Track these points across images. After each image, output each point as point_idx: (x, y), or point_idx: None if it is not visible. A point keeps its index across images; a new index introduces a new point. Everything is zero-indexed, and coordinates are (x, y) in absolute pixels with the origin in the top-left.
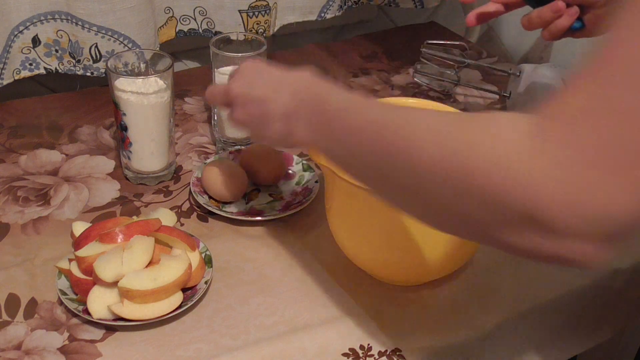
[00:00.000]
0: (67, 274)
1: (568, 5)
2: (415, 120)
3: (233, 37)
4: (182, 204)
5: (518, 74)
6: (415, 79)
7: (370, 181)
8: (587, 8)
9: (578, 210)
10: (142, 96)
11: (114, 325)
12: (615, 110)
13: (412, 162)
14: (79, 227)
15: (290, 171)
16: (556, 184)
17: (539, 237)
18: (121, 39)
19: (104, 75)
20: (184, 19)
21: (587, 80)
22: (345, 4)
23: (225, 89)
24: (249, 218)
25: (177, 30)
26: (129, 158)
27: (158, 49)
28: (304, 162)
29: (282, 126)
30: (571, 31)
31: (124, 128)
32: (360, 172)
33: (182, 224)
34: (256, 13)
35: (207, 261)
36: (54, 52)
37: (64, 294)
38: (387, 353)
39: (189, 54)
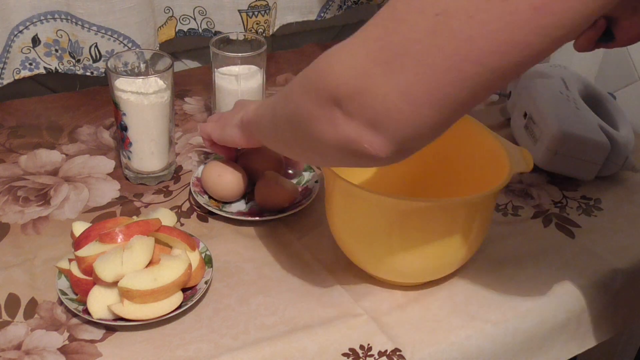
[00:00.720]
0: (67, 274)
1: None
2: (283, 97)
3: (233, 37)
4: (182, 204)
5: None
6: None
7: (274, 143)
8: (616, 19)
9: (364, 96)
10: (142, 96)
11: (114, 325)
12: (396, 15)
13: (287, 110)
14: (79, 227)
15: (290, 171)
16: (350, 70)
17: (340, 121)
18: (121, 39)
19: (103, 75)
20: (184, 19)
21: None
22: (345, 4)
23: (201, 128)
24: (249, 218)
25: (176, 30)
26: (129, 158)
27: (158, 48)
28: None
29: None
30: (603, 43)
31: (124, 128)
32: (270, 141)
33: (182, 224)
34: (256, 13)
35: (207, 261)
36: (53, 52)
37: (64, 294)
38: (387, 353)
39: (189, 54)
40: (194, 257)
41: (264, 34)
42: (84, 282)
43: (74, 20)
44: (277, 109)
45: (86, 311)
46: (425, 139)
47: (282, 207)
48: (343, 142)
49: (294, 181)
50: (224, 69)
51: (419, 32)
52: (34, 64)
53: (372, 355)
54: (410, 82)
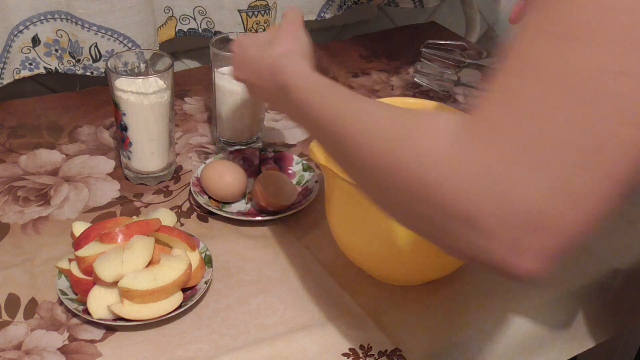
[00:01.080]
0: (67, 274)
1: None
2: (363, 111)
3: (233, 36)
4: (182, 204)
5: None
6: (415, 79)
7: (338, 163)
8: None
9: (505, 207)
10: (142, 96)
11: (114, 325)
12: (523, 105)
13: (356, 153)
14: (79, 227)
15: (290, 171)
16: (483, 181)
17: (471, 236)
18: (121, 39)
19: (103, 75)
20: (184, 19)
21: (501, 75)
22: (345, 4)
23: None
24: (249, 218)
25: (176, 30)
26: (129, 158)
27: (158, 48)
28: (304, 162)
29: (270, 106)
30: None
31: (124, 128)
32: (330, 154)
33: (182, 224)
34: (256, 13)
35: (207, 261)
36: (53, 52)
37: (64, 294)
38: (387, 353)
39: (189, 54)
40: (194, 257)
41: None
42: (84, 282)
43: (74, 20)
44: (345, 147)
45: (86, 311)
46: (581, 237)
47: (279, 209)
48: (470, 254)
49: (294, 181)
50: (224, 69)
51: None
52: (34, 64)
53: (372, 355)
54: (565, 178)
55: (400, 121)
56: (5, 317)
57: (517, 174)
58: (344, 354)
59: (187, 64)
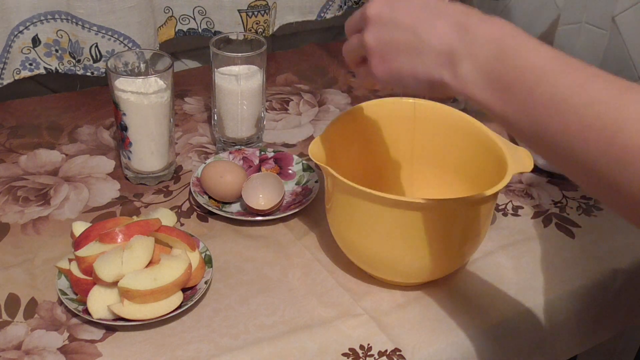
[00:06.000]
0: (67, 274)
1: None
2: (620, 101)
3: (233, 36)
4: (182, 204)
5: None
6: None
7: (552, 158)
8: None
9: None
10: (142, 96)
11: (114, 325)
12: None
13: (613, 147)
14: (79, 227)
15: (290, 171)
16: None
17: None
18: (121, 39)
19: (104, 75)
20: (184, 19)
21: None
22: (345, 4)
23: (361, 12)
24: (249, 218)
25: (176, 30)
26: (129, 158)
27: (158, 48)
28: (304, 162)
29: (439, 64)
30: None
31: (124, 128)
32: (544, 147)
33: (182, 224)
34: (255, 13)
35: (207, 261)
36: (54, 52)
37: (64, 294)
38: (387, 353)
39: (189, 54)
40: (194, 257)
41: (263, 34)
42: (84, 282)
43: (74, 20)
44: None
45: (86, 311)
46: None
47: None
48: None
49: (294, 181)
50: (224, 69)
51: None
52: (34, 64)
53: (372, 355)
54: None
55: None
56: (5, 317)
57: None
58: (344, 354)
59: (187, 64)
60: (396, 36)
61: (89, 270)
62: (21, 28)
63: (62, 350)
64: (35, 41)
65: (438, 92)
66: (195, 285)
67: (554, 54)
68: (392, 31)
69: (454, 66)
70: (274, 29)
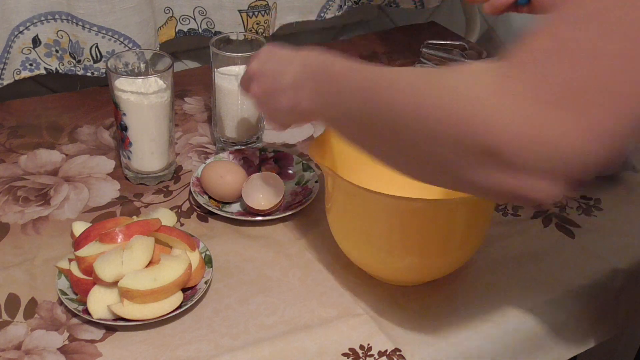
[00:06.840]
0: (67, 274)
1: None
2: (399, 76)
3: (233, 37)
4: (182, 204)
5: None
6: None
7: (361, 141)
8: None
9: (536, 146)
10: (142, 96)
11: (114, 325)
12: (574, 50)
13: (394, 114)
14: (79, 227)
15: (290, 171)
16: (517, 120)
17: (499, 173)
18: (121, 39)
19: (104, 75)
20: (184, 19)
21: (550, 24)
22: (345, 4)
23: (246, 71)
24: (249, 218)
25: (176, 30)
26: (129, 158)
27: (158, 49)
28: (304, 162)
29: (290, 96)
30: (515, 6)
31: (124, 128)
32: (353, 132)
33: (182, 224)
34: (256, 13)
35: (207, 261)
36: (54, 52)
37: (64, 294)
38: (387, 353)
39: (189, 54)
40: (194, 257)
41: (264, 34)
42: (84, 282)
43: (74, 20)
44: (378, 109)
45: (86, 311)
46: (599, 170)
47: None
48: (496, 189)
49: (294, 181)
50: (224, 69)
51: (609, 60)
52: (34, 65)
53: (372, 355)
54: (598, 120)
55: (433, 76)
56: (5, 317)
57: (557, 116)
58: (344, 354)
59: (187, 64)
60: (268, 84)
61: (89, 270)
62: (21, 28)
63: (62, 350)
64: (36, 41)
65: (300, 119)
66: (195, 285)
67: (357, 64)
68: (265, 81)
69: (298, 96)
70: (275, 29)
